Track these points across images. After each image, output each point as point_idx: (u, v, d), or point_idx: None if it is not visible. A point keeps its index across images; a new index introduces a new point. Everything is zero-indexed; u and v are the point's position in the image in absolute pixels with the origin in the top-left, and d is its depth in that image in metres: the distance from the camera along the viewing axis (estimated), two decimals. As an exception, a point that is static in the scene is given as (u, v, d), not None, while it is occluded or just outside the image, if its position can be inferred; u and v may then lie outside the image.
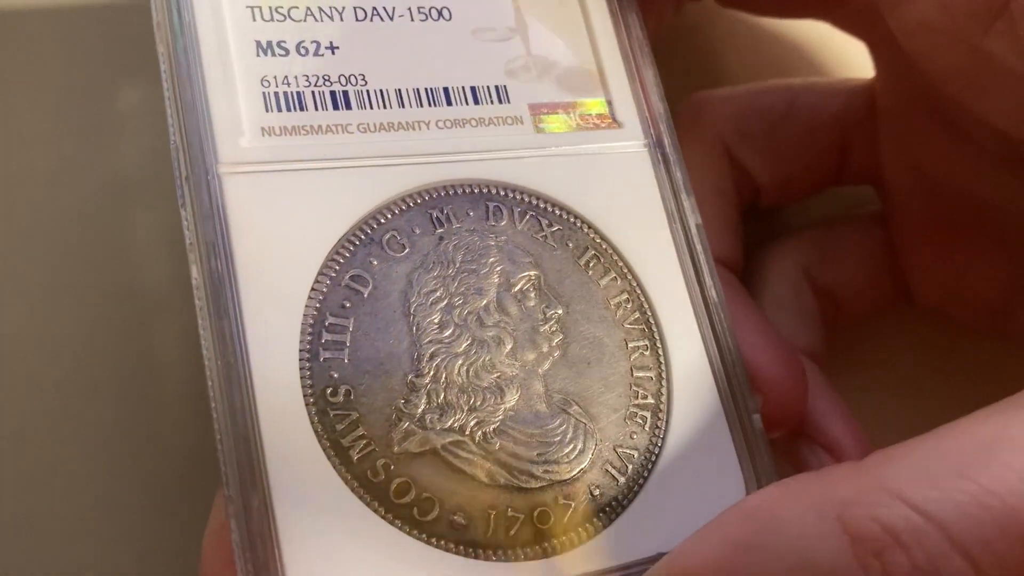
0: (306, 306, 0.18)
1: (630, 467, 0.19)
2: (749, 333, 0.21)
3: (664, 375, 0.20)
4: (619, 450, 0.19)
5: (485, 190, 0.20)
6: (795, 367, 0.21)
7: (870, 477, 0.14)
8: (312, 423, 0.17)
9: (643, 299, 0.21)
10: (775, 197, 0.25)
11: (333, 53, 0.20)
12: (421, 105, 0.20)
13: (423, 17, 0.21)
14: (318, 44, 0.20)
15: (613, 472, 0.19)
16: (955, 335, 0.26)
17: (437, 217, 0.20)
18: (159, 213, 0.23)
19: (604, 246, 0.21)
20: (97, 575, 0.21)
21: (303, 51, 0.20)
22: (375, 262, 0.19)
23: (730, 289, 0.21)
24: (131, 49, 0.23)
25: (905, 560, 0.13)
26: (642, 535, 0.19)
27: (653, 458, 0.20)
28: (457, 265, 0.19)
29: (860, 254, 0.25)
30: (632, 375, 0.20)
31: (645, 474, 0.19)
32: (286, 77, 0.19)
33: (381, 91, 0.20)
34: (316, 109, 0.19)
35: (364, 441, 0.18)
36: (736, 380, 0.20)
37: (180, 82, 0.18)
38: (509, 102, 0.21)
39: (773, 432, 0.21)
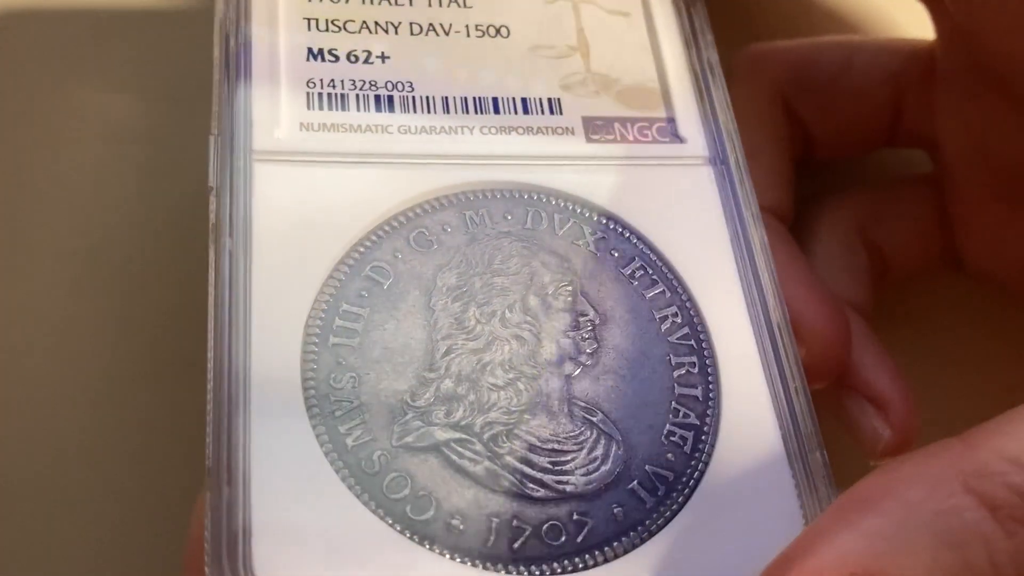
0: (321, 292, 0.18)
1: (662, 489, 0.17)
2: (793, 283, 0.20)
3: (713, 396, 0.18)
4: (651, 469, 0.17)
5: (526, 195, 0.19)
6: (838, 319, 0.21)
7: (986, 450, 0.15)
8: (308, 405, 0.17)
9: (694, 315, 0.19)
10: (827, 151, 0.25)
11: (383, 62, 0.20)
12: (467, 112, 0.20)
13: (480, 34, 0.21)
14: (369, 53, 0.20)
15: (642, 493, 0.17)
16: (1000, 303, 0.25)
17: (471, 217, 0.19)
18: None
19: (653, 258, 0.19)
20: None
21: (353, 59, 0.20)
22: (399, 255, 0.18)
23: (778, 239, 0.21)
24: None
25: None
26: (671, 565, 0.16)
27: (692, 482, 0.17)
28: (485, 264, 0.18)
29: (912, 215, 0.25)
30: (675, 392, 0.18)
31: (680, 499, 0.17)
32: (332, 80, 0.20)
33: (427, 98, 0.20)
34: (359, 110, 0.19)
35: (362, 430, 0.17)
36: (802, 409, 0.18)
37: (225, 77, 0.19)
38: (562, 114, 0.20)
39: (815, 383, 0.21)
